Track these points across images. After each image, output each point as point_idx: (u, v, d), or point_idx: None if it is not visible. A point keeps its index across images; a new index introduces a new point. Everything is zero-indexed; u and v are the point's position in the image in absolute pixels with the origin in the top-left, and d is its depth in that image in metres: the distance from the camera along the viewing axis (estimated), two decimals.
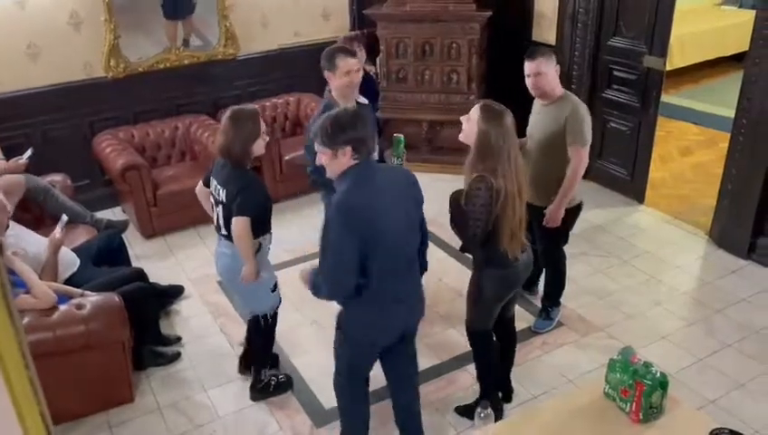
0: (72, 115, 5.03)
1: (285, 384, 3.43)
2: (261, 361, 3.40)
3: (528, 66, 3.30)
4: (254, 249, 3.04)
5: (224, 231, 3.07)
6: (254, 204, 2.99)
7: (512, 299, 3.08)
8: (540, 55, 3.29)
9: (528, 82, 3.34)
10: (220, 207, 3.03)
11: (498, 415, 3.00)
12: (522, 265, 2.91)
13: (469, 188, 2.72)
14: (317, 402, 3.34)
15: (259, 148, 3.03)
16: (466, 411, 3.16)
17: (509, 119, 2.69)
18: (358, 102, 3.39)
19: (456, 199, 2.84)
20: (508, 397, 3.28)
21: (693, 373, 3.41)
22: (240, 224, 2.96)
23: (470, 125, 2.73)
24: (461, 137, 2.82)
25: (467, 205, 2.72)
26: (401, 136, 3.60)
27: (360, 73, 3.38)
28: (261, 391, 3.37)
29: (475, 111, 2.73)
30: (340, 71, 3.27)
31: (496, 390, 3.16)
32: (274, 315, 3.34)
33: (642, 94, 4.89)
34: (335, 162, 2.39)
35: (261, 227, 3.07)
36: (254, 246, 3.03)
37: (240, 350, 3.57)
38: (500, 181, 2.65)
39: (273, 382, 3.39)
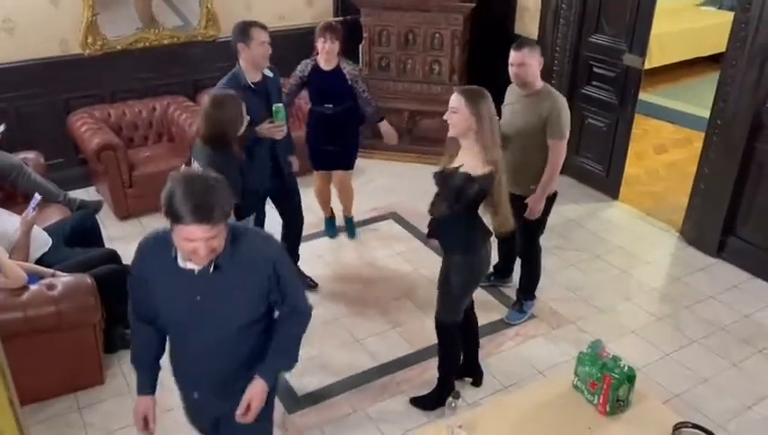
0: (47, 92, 4.93)
1: None
2: None
3: (513, 56, 3.36)
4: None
5: None
6: (236, 187, 2.97)
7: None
8: (526, 47, 3.36)
9: (511, 71, 3.40)
10: None
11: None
12: (487, 252, 2.96)
13: (478, 178, 2.69)
14: (290, 389, 3.34)
15: (242, 128, 3.06)
16: (419, 402, 3.19)
17: (489, 96, 2.74)
18: (264, 75, 3.52)
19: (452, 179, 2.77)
20: (478, 381, 3.33)
21: (660, 368, 3.49)
22: None
23: (459, 116, 2.70)
24: (453, 132, 2.76)
25: (464, 190, 2.71)
26: (280, 105, 3.51)
27: (269, 50, 3.45)
28: None
29: (458, 101, 2.70)
30: (255, 42, 3.38)
31: (453, 383, 3.16)
32: None
33: (621, 92, 4.94)
34: (224, 234, 1.88)
35: (244, 210, 3.06)
36: None
37: None
38: (496, 165, 2.70)
39: None
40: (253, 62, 3.44)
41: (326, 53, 3.94)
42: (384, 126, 4.23)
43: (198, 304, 1.96)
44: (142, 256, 2.04)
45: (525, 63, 3.34)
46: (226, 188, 1.85)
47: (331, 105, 4.08)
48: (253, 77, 3.48)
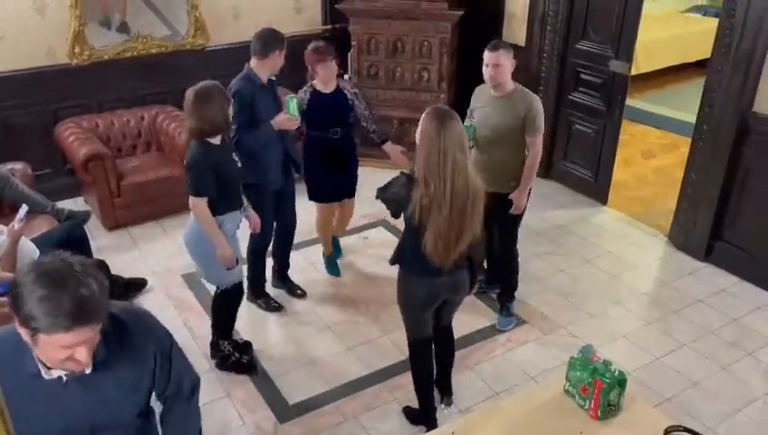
0: (34, 102, 4.90)
1: (246, 367, 3.45)
2: (218, 332, 3.47)
3: (489, 57, 3.42)
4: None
5: None
6: (207, 183, 2.94)
7: (448, 308, 2.98)
8: (501, 48, 3.43)
9: (486, 71, 3.44)
10: None
11: (432, 425, 2.95)
12: (445, 281, 2.76)
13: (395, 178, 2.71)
14: (281, 398, 3.32)
15: (231, 113, 3.06)
16: (409, 415, 3.16)
17: (454, 122, 2.54)
18: (270, 79, 3.62)
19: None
20: (448, 401, 3.23)
21: (650, 372, 3.50)
22: (192, 203, 2.98)
23: (418, 131, 2.62)
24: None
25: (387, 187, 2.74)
26: (294, 96, 3.66)
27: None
28: (221, 361, 3.46)
29: (422, 117, 2.62)
30: (283, 53, 3.53)
31: (430, 402, 3.07)
32: (235, 293, 3.36)
33: (608, 98, 4.98)
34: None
35: (220, 205, 3.04)
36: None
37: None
38: (429, 189, 2.52)
39: (233, 358, 3.44)
40: (272, 69, 3.57)
41: (327, 76, 3.77)
42: (389, 147, 3.90)
43: (71, 417, 1.57)
44: None
45: (500, 64, 3.40)
46: (95, 265, 1.50)
47: (338, 129, 3.82)
48: (263, 78, 3.57)
